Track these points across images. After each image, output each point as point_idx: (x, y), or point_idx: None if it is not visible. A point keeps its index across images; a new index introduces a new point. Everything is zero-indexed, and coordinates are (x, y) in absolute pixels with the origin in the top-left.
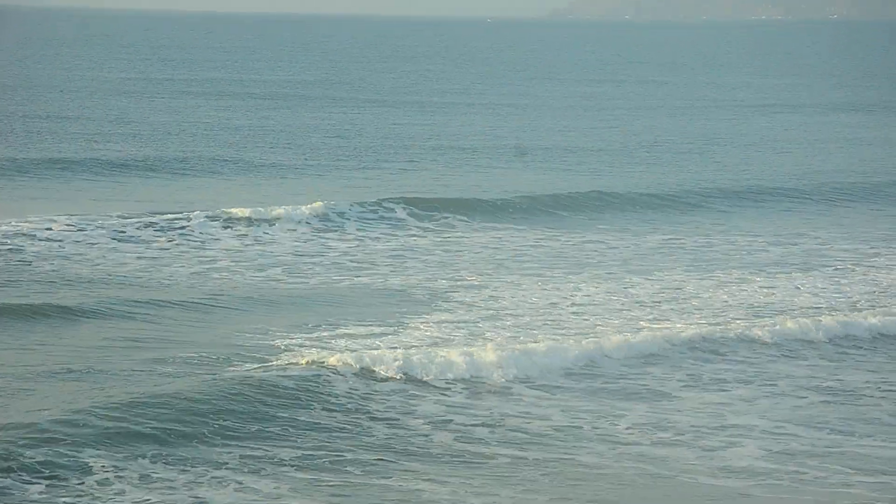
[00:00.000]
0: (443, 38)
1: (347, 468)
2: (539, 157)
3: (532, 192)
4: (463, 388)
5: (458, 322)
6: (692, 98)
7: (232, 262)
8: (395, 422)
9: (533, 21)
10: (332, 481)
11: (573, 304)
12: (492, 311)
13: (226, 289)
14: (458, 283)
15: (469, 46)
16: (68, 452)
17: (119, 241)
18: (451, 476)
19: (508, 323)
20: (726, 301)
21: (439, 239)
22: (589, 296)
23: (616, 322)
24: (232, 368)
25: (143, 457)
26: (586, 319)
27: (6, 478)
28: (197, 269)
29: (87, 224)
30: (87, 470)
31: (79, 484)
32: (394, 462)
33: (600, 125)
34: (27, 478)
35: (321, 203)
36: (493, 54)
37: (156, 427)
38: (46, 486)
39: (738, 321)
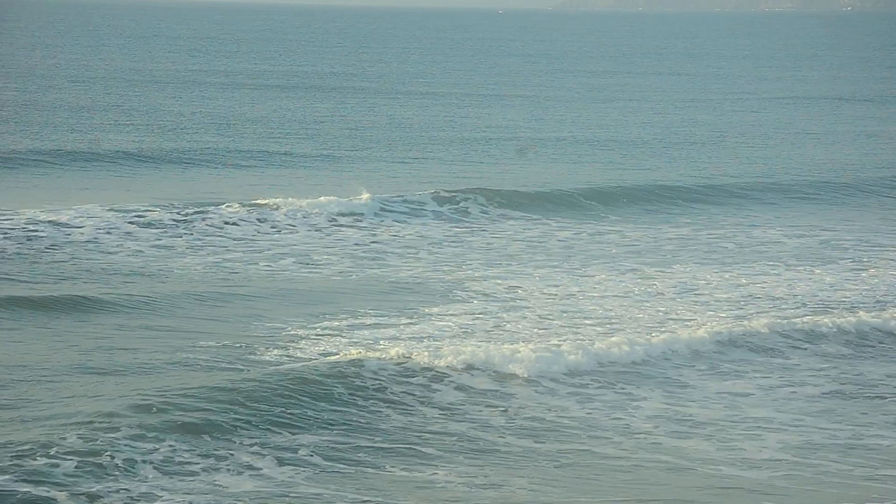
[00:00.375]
0: (460, 29)
1: (362, 456)
2: (553, 150)
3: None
4: (485, 379)
5: (477, 313)
6: (713, 90)
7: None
8: (410, 409)
9: (545, 12)
10: (346, 470)
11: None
12: (563, 308)
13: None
14: (492, 276)
15: (490, 37)
16: (101, 440)
17: (171, 234)
18: (464, 466)
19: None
20: (746, 294)
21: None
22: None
23: (640, 315)
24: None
25: (168, 443)
26: (647, 313)
27: (51, 468)
28: (258, 262)
29: (137, 216)
30: (115, 454)
31: (108, 469)
32: (408, 450)
33: (622, 116)
34: (65, 464)
35: (368, 195)
36: (513, 46)
37: (185, 415)
38: (77, 467)
39: (758, 315)
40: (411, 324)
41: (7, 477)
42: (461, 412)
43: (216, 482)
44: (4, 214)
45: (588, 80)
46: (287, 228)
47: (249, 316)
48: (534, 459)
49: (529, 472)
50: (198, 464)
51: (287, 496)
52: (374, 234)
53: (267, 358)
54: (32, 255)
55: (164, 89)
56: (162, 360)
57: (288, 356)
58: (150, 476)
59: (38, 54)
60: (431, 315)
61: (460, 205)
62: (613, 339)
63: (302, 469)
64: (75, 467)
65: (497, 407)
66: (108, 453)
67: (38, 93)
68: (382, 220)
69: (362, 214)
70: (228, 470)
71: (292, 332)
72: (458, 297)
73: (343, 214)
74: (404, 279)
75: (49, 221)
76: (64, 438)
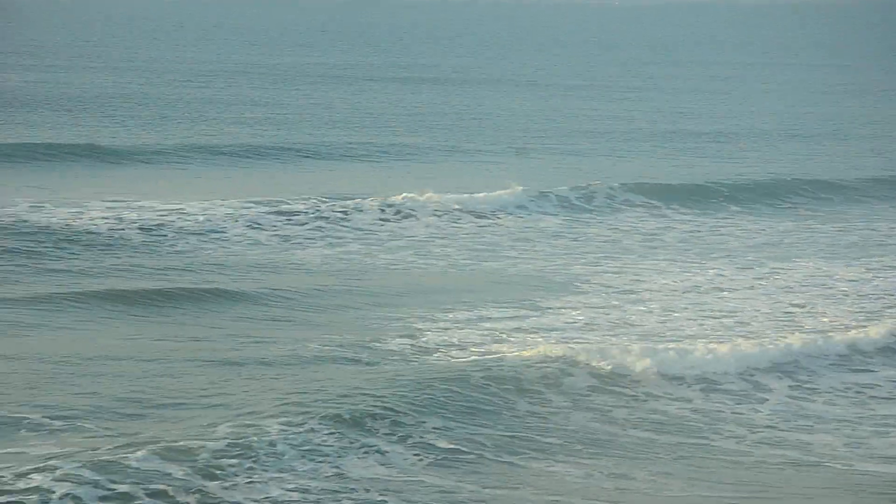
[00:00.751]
0: (575, 23)
1: (483, 444)
2: (677, 142)
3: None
4: (610, 372)
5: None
6: (819, 82)
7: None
8: (536, 398)
9: (662, 4)
10: (467, 458)
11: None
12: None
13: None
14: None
15: (612, 31)
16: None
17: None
18: (584, 457)
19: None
20: (875, 287)
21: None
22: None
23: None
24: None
25: (310, 429)
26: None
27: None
28: (397, 255)
29: (270, 209)
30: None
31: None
32: (529, 440)
33: (739, 107)
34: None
35: (520, 187)
36: (632, 38)
37: (330, 407)
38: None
39: (888, 310)
40: (557, 315)
41: (182, 470)
42: (584, 403)
43: (340, 467)
44: (131, 205)
45: (702, 71)
46: (421, 222)
47: (378, 305)
48: (653, 451)
49: (649, 464)
50: (333, 453)
51: (407, 483)
52: (512, 227)
53: (393, 348)
54: (157, 246)
55: (287, 82)
56: (299, 352)
57: (417, 347)
58: (299, 467)
59: (161, 47)
60: (563, 308)
61: (589, 197)
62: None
63: (425, 456)
64: (232, 460)
65: (621, 396)
66: (262, 445)
67: (163, 86)
68: (524, 213)
69: (499, 208)
70: (364, 457)
71: (419, 326)
72: (584, 290)
73: (478, 208)
74: (543, 271)
75: (174, 211)
76: (214, 432)
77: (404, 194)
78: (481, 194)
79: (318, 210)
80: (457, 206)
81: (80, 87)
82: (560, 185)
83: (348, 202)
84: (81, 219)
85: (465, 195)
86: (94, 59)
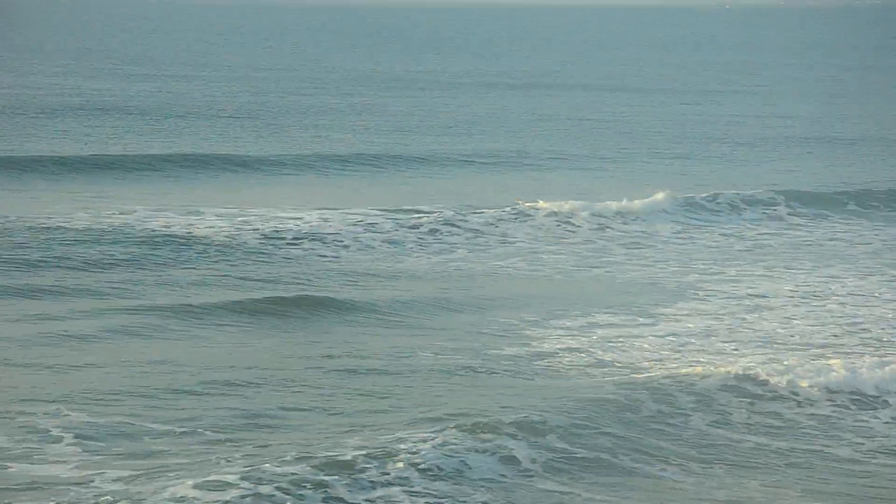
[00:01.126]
0: (684, 26)
1: (602, 446)
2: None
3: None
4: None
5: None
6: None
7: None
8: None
9: (774, 7)
10: (587, 458)
11: None
12: None
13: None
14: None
15: (717, 34)
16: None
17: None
18: (696, 463)
19: None
20: None
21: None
22: None
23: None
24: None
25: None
26: None
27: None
28: (526, 263)
29: (391, 217)
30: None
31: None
32: (643, 445)
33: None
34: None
35: (664, 194)
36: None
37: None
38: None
39: None
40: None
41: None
42: (703, 409)
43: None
44: (245, 215)
45: (830, 75)
46: (578, 230)
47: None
48: (766, 456)
49: (760, 472)
50: (460, 457)
51: (522, 486)
52: (665, 233)
53: (509, 351)
54: (272, 254)
55: (405, 90)
56: (439, 361)
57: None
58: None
59: (273, 54)
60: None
61: (737, 204)
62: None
63: (543, 459)
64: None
65: (741, 401)
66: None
67: (275, 95)
68: (670, 219)
69: (647, 215)
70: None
71: (537, 332)
72: (707, 297)
73: (618, 215)
74: (685, 278)
75: (287, 218)
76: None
77: (540, 202)
78: (635, 202)
79: (438, 218)
80: (602, 214)
81: (190, 97)
82: (697, 192)
83: (480, 210)
84: (199, 227)
85: (612, 203)
86: (203, 67)
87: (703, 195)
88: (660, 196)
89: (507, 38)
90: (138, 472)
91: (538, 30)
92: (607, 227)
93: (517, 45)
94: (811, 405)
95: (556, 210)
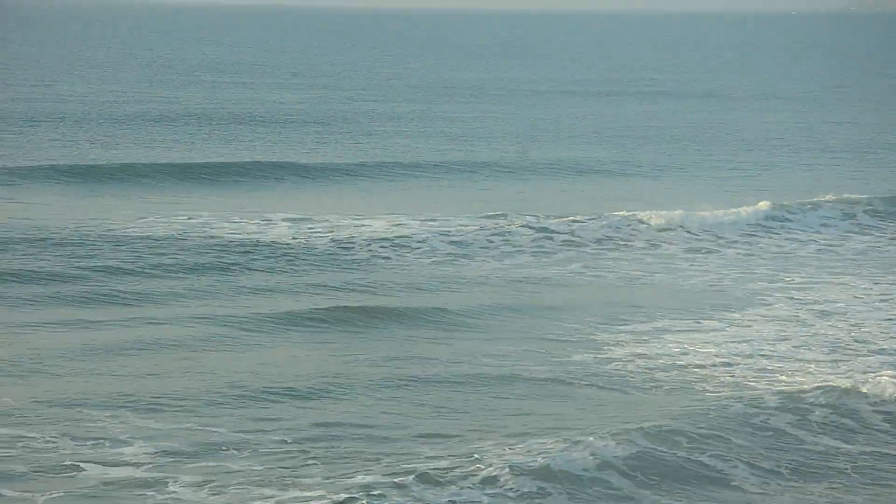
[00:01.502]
0: (754, 35)
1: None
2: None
3: None
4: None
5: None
6: None
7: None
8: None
9: (839, 12)
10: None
11: None
12: None
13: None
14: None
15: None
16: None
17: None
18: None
19: None
20: None
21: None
22: None
23: None
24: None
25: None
26: None
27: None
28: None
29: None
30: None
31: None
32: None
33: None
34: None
35: (768, 203)
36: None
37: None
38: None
39: None
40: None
41: None
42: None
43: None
44: (313, 221)
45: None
46: (676, 242)
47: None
48: (834, 459)
49: (825, 474)
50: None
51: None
52: (766, 244)
53: (578, 359)
54: (340, 260)
55: (474, 98)
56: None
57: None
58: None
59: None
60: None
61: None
62: None
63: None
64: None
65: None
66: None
67: (338, 103)
68: (764, 231)
69: (745, 224)
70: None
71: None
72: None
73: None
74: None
75: (356, 226)
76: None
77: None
78: (731, 210)
79: (523, 225)
80: (698, 226)
81: (273, 105)
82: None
83: (568, 219)
84: (269, 234)
85: (708, 212)
86: (277, 75)
87: (798, 201)
88: (763, 205)
89: (570, 45)
90: (211, 478)
91: (591, 36)
92: (716, 237)
93: (580, 52)
94: None
95: (662, 221)
